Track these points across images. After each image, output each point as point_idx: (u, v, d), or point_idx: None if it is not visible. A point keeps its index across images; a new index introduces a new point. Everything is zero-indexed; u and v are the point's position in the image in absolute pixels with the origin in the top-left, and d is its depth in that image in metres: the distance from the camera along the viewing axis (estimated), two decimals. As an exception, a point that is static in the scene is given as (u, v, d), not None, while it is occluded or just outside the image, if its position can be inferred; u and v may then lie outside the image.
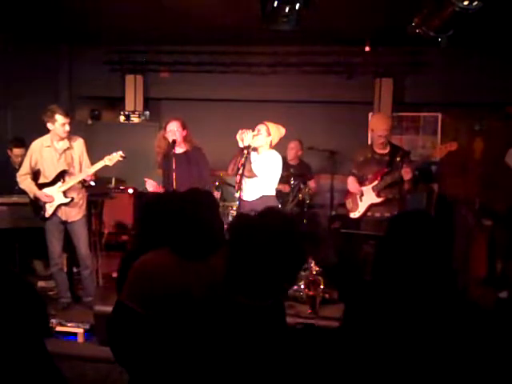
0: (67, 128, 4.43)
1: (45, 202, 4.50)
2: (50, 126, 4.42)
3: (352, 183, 4.91)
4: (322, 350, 1.38)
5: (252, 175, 4.31)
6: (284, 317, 1.60)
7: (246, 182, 4.35)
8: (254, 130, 4.34)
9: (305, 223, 5.51)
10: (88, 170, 4.51)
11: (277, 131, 4.48)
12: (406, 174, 4.51)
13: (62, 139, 4.49)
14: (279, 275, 1.43)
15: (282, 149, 4.92)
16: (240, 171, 4.31)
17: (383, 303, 1.68)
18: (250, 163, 4.32)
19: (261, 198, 4.32)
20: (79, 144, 4.62)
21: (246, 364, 1.32)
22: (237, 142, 4.32)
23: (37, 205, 4.54)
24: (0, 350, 1.32)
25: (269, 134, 4.41)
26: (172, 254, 2.20)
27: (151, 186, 4.56)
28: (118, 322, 2.22)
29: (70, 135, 4.54)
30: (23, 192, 4.66)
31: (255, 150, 4.43)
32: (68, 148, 4.54)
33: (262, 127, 4.41)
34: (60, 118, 4.37)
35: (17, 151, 5.34)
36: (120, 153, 4.50)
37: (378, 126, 4.76)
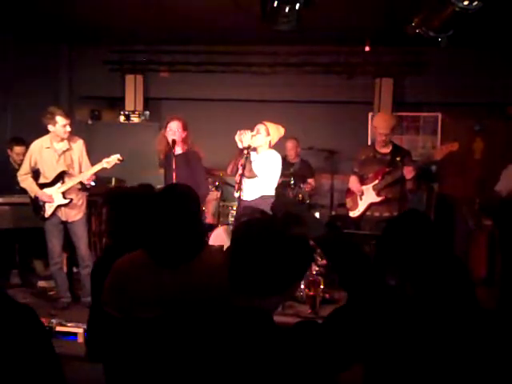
0: (68, 129, 4.44)
1: (44, 202, 4.51)
2: (50, 127, 4.42)
3: (353, 182, 4.92)
4: (317, 343, 1.36)
5: (252, 175, 4.31)
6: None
7: (245, 182, 4.35)
8: (253, 130, 4.34)
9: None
10: (86, 173, 4.52)
11: (276, 131, 4.47)
12: (408, 172, 4.51)
13: (62, 140, 4.49)
14: (282, 270, 1.41)
15: (280, 149, 4.92)
16: (240, 171, 4.31)
17: (384, 303, 1.69)
18: (251, 163, 4.31)
19: (260, 197, 4.32)
20: (79, 145, 4.62)
21: (236, 367, 1.31)
22: (236, 142, 4.32)
23: (37, 204, 4.55)
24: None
25: (268, 134, 4.41)
26: (148, 256, 2.05)
27: None
28: (97, 327, 2.16)
29: (70, 136, 4.54)
30: (24, 192, 4.66)
31: (254, 149, 4.42)
32: (68, 149, 4.55)
33: (261, 127, 4.40)
34: (60, 120, 4.38)
35: (18, 149, 5.34)
36: (118, 156, 4.50)
37: (379, 124, 4.77)
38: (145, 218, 2.12)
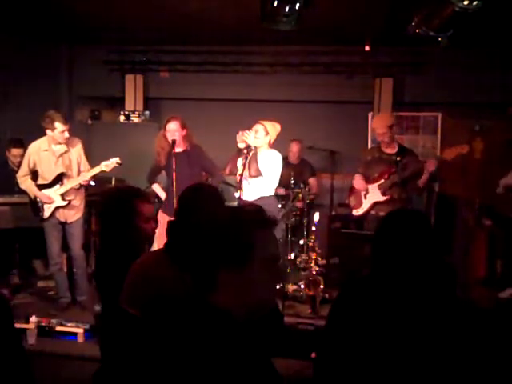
0: (66, 135, 4.44)
1: (43, 204, 4.51)
2: (49, 132, 4.42)
3: (358, 180, 4.89)
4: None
5: (258, 174, 4.30)
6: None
7: (248, 181, 4.34)
8: (251, 131, 4.33)
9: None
10: (85, 175, 4.52)
11: (273, 129, 4.46)
12: (431, 165, 4.49)
13: (60, 142, 4.50)
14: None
15: (282, 149, 4.91)
16: (240, 171, 4.31)
17: (377, 297, 1.70)
18: (257, 163, 4.30)
19: (261, 197, 4.32)
20: (77, 146, 4.62)
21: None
22: (236, 142, 4.31)
23: (35, 205, 4.55)
24: None
25: (267, 133, 4.40)
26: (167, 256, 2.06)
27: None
28: (118, 328, 2.14)
29: (68, 137, 4.53)
30: (23, 192, 4.66)
31: (255, 149, 4.42)
32: (66, 151, 4.54)
33: (259, 127, 4.39)
34: (59, 126, 4.37)
35: (15, 151, 5.33)
36: (117, 159, 4.50)
37: (376, 124, 4.81)
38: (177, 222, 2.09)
